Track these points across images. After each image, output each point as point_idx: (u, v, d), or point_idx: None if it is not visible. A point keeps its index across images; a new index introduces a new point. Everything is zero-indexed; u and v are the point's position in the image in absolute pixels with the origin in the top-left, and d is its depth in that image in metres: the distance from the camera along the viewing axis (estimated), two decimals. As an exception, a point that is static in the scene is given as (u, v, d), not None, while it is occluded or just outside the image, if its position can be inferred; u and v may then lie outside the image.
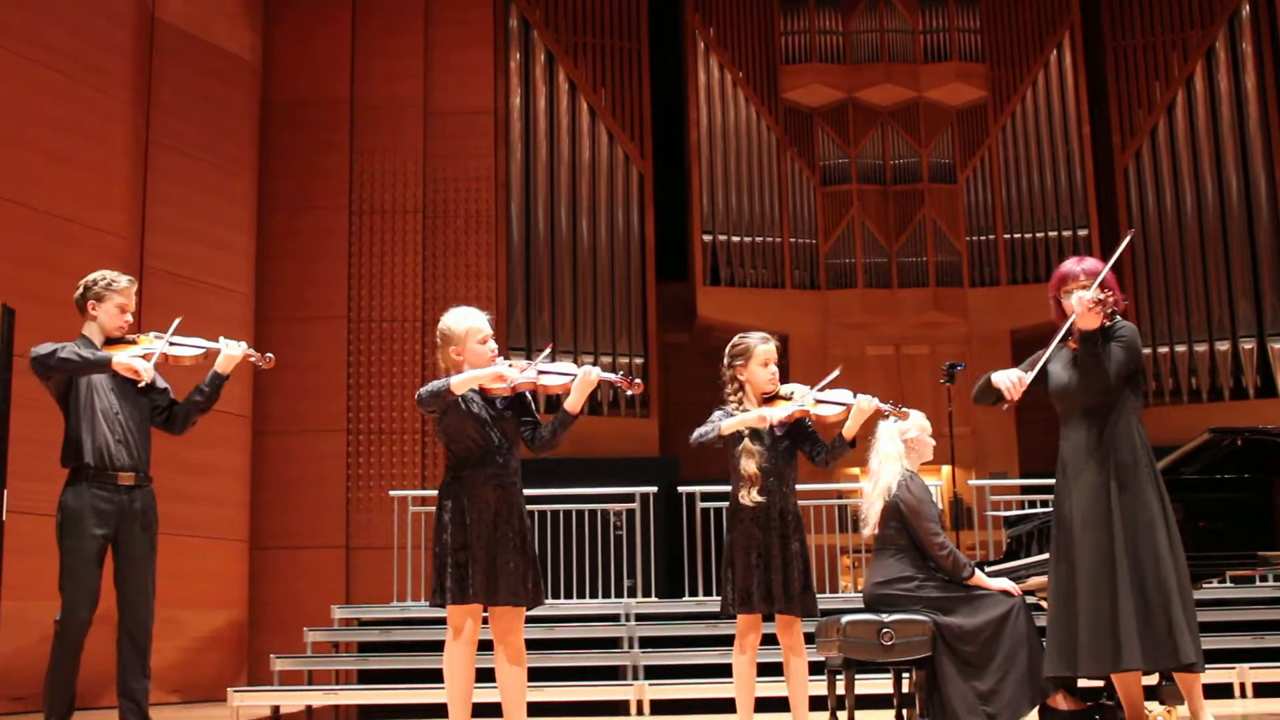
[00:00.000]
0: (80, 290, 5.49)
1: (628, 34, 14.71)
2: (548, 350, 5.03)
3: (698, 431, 5.35)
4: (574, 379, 4.82)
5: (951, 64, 15.01)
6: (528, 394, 4.95)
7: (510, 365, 4.87)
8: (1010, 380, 4.86)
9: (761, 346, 5.44)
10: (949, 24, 15.11)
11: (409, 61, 13.28)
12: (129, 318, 5.50)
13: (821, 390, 5.39)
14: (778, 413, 5.24)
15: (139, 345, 5.43)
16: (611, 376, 4.86)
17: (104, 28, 9.99)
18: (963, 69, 15.01)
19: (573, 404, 4.82)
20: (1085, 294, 4.69)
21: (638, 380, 4.83)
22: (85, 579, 5.28)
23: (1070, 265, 5.02)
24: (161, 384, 5.59)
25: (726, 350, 5.50)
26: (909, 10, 15.17)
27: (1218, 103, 14.60)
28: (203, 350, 5.52)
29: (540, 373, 4.84)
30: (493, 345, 4.92)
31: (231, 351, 5.51)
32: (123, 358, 5.27)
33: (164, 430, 5.62)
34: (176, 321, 5.52)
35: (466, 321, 4.91)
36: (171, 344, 5.45)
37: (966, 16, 15.15)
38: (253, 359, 5.52)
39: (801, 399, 5.34)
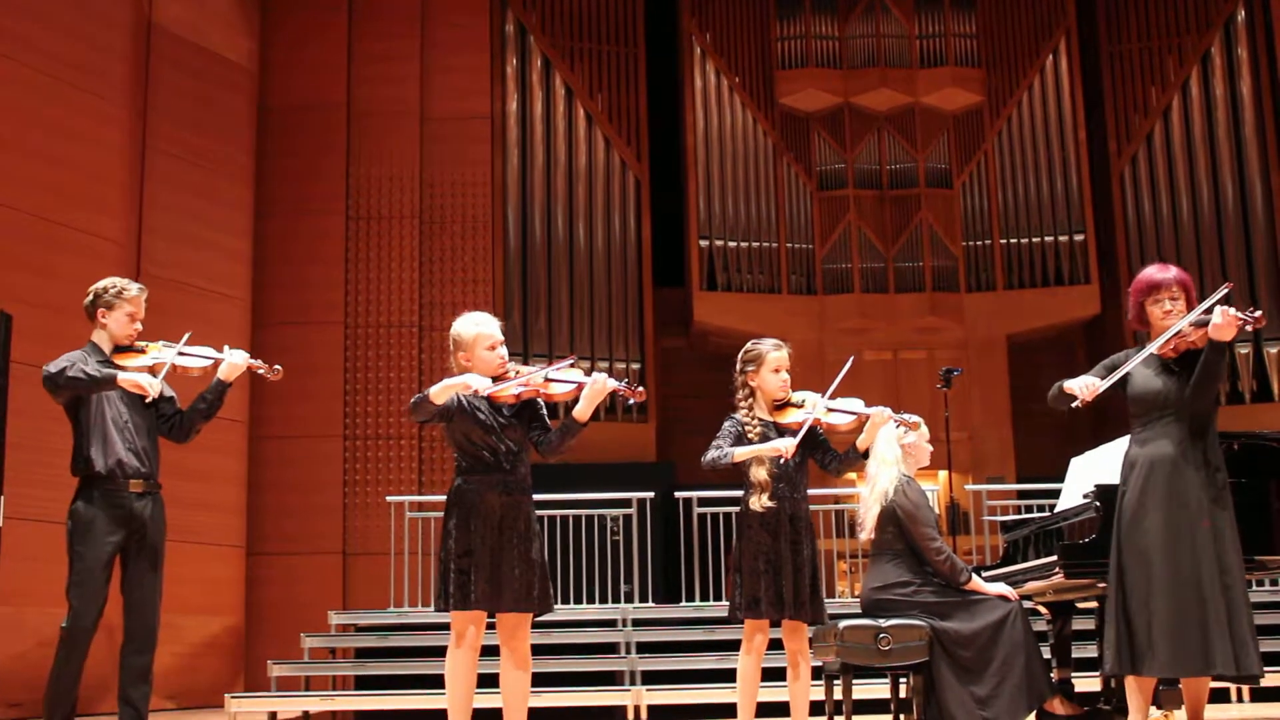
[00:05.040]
0: (90, 297, 5.48)
1: (624, 39, 14.71)
2: (568, 360, 5.01)
3: (709, 456, 5.29)
4: (583, 386, 4.81)
5: (947, 69, 15.02)
6: (539, 400, 4.95)
7: (510, 371, 4.88)
8: (1083, 384, 5.01)
9: (774, 353, 5.43)
10: (945, 29, 15.13)
11: (405, 66, 13.26)
12: (138, 326, 5.49)
13: (833, 396, 5.37)
14: (790, 444, 5.20)
15: (148, 354, 5.43)
16: (617, 385, 4.85)
17: (100, 33, 9.98)
18: (959, 74, 15.02)
19: (581, 411, 4.82)
20: (1232, 310, 4.75)
21: (640, 388, 4.82)
22: (94, 586, 5.27)
23: (1157, 274, 5.10)
24: (169, 393, 5.59)
25: (739, 356, 5.49)
26: (905, 15, 15.18)
27: (1213, 108, 14.61)
28: (211, 360, 5.50)
29: (549, 379, 4.84)
30: (502, 352, 4.92)
31: (235, 360, 5.49)
32: (129, 376, 5.24)
33: (169, 439, 5.61)
34: (187, 335, 5.52)
35: (476, 328, 4.92)
36: (181, 354, 5.45)
37: (962, 21, 15.16)
38: (260, 370, 5.51)
39: (813, 407, 5.32)
